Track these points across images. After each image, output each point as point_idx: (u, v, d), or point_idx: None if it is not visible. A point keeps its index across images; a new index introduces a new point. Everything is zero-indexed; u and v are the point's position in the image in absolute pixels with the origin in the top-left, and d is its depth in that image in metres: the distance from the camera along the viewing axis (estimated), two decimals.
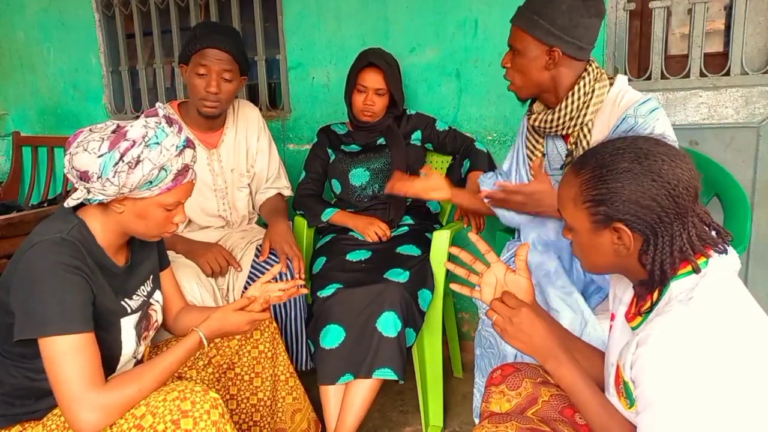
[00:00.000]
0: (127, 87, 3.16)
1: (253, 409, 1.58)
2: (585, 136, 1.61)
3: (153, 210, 1.25)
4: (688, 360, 0.87)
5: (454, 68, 2.43)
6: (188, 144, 1.26)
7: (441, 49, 2.44)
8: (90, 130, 1.21)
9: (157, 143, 1.18)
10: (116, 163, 1.16)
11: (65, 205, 1.23)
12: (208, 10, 2.86)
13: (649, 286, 0.99)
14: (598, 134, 1.58)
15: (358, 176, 2.21)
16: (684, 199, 0.93)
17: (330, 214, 2.19)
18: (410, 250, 2.02)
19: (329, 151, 2.29)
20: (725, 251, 0.97)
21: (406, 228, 2.18)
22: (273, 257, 1.97)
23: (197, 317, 1.50)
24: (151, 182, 1.20)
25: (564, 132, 1.64)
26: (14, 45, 3.35)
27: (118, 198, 1.21)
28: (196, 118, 2.03)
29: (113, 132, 1.19)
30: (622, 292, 1.12)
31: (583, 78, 1.59)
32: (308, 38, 2.66)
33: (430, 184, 1.90)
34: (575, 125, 1.61)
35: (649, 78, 2.17)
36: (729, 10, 2.12)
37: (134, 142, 1.17)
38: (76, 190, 1.22)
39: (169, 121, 1.23)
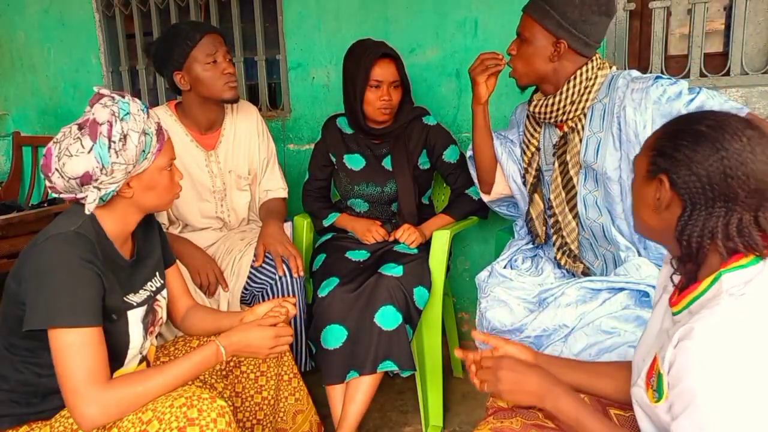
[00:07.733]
0: (127, 87, 3.16)
1: (257, 408, 1.58)
2: (580, 120, 1.61)
3: (157, 177, 1.30)
4: (736, 357, 0.81)
5: (454, 68, 2.43)
6: (148, 106, 1.31)
7: (441, 49, 2.44)
8: (54, 142, 1.22)
9: (128, 113, 1.23)
10: (109, 147, 1.19)
11: (86, 211, 1.23)
12: (208, 10, 2.86)
13: (686, 265, 0.94)
14: (597, 119, 1.58)
15: (358, 205, 2.18)
16: (739, 185, 0.87)
17: (332, 219, 2.19)
18: (408, 248, 2.02)
19: (331, 156, 2.19)
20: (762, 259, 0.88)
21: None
22: (269, 260, 1.96)
23: (208, 320, 1.50)
24: (144, 151, 1.25)
25: (563, 118, 1.64)
26: (15, 45, 3.35)
27: (126, 181, 1.25)
28: (195, 118, 2.02)
29: (80, 129, 1.21)
30: (666, 281, 1.07)
31: (586, 65, 1.59)
32: (308, 38, 2.66)
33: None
34: (576, 110, 1.61)
35: None
36: (729, 10, 2.12)
37: (110, 122, 1.20)
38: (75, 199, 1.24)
39: (119, 95, 1.26)
